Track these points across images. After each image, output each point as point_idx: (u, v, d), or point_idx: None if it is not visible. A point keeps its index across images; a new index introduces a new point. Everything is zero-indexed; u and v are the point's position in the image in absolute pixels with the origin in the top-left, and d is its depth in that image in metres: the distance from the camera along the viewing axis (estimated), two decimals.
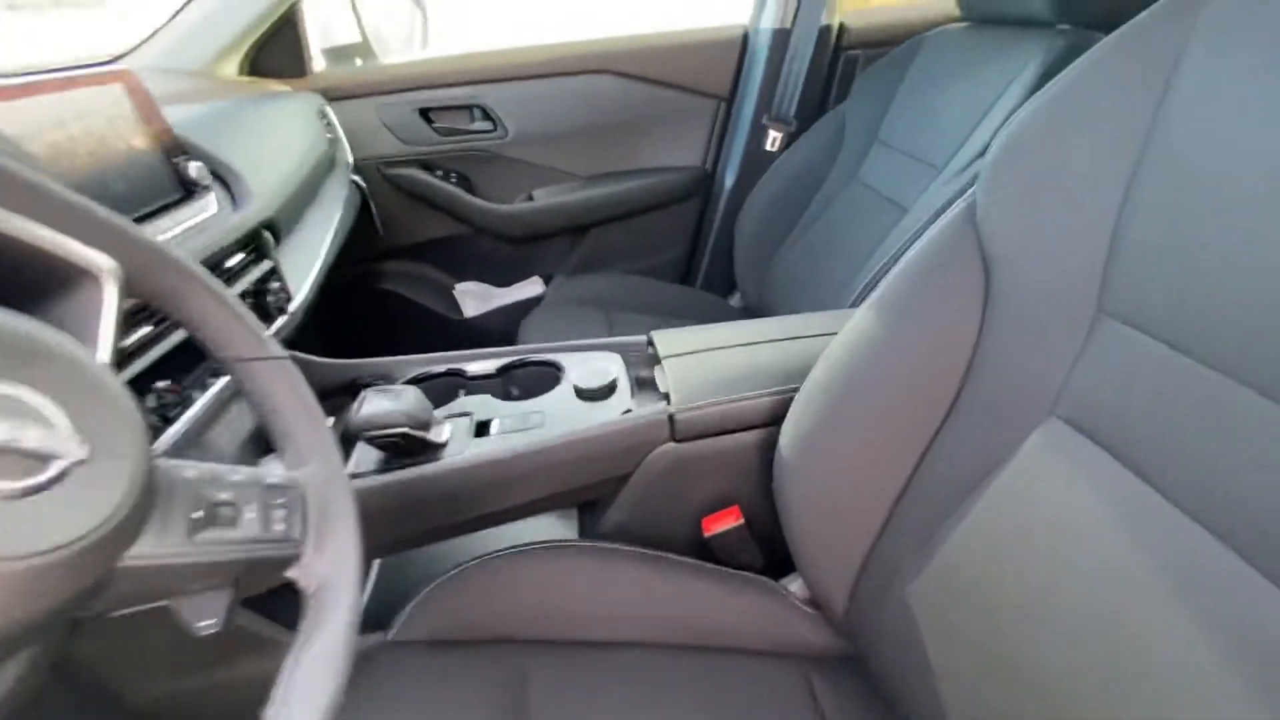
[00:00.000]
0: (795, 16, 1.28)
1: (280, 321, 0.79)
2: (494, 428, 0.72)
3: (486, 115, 1.38)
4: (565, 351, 0.85)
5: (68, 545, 0.27)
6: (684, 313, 1.32)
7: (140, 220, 0.62)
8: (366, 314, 1.47)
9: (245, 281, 0.74)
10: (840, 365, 0.58)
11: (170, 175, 0.67)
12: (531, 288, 1.58)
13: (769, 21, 1.31)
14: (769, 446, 0.67)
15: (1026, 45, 0.94)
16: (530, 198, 1.47)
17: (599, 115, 1.41)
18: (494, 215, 1.43)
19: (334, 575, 0.40)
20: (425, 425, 0.69)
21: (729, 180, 1.47)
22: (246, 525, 0.37)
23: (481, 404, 0.78)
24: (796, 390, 0.63)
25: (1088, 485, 0.40)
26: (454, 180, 1.41)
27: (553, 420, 0.72)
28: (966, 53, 1.06)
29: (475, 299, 1.58)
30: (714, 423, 0.70)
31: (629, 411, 0.72)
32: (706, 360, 0.76)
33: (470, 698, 0.55)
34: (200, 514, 0.35)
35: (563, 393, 0.78)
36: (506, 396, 0.83)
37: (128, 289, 0.38)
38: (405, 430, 0.66)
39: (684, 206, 1.52)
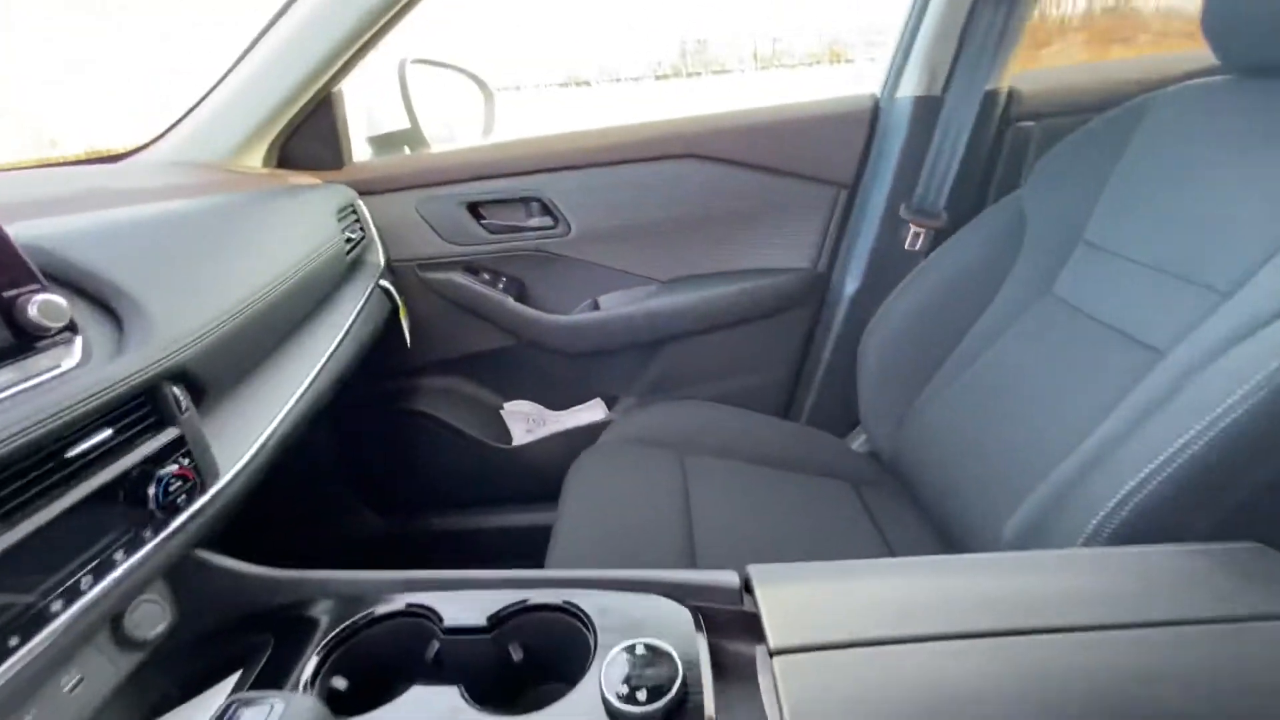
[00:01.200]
0: (948, 81, 0.97)
1: (178, 522, 0.52)
2: None
3: (546, 210, 1.14)
4: (599, 589, 0.52)
5: None
6: (783, 458, 0.99)
7: None
8: (394, 440, 1.22)
9: (111, 469, 0.47)
10: None
11: None
12: (593, 412, 1.28)
13: (911, 88, 1.01)
14: None
15: None
16: (595, 305, 1.20)
17: (682, 208, 1.13)
18: (551, 327, 1.16)
19: None
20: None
21: (849, 287, 1.13)
22: None
23: (443, 702, 0.45)
24: None
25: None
26: (503, 285, 1.16)
27: None
28: (1243, 117, 0.70)
29: (527, 422, 1.29)
30: None
31: None
32: (842, 660, 0.41)
33: None
34: None
35: (585, 694, 0.44)
36: (501, 668, 0.51)
37: None
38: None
39: (788, 318, 1.19)
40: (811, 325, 1.20)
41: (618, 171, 1.13)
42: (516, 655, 0.52)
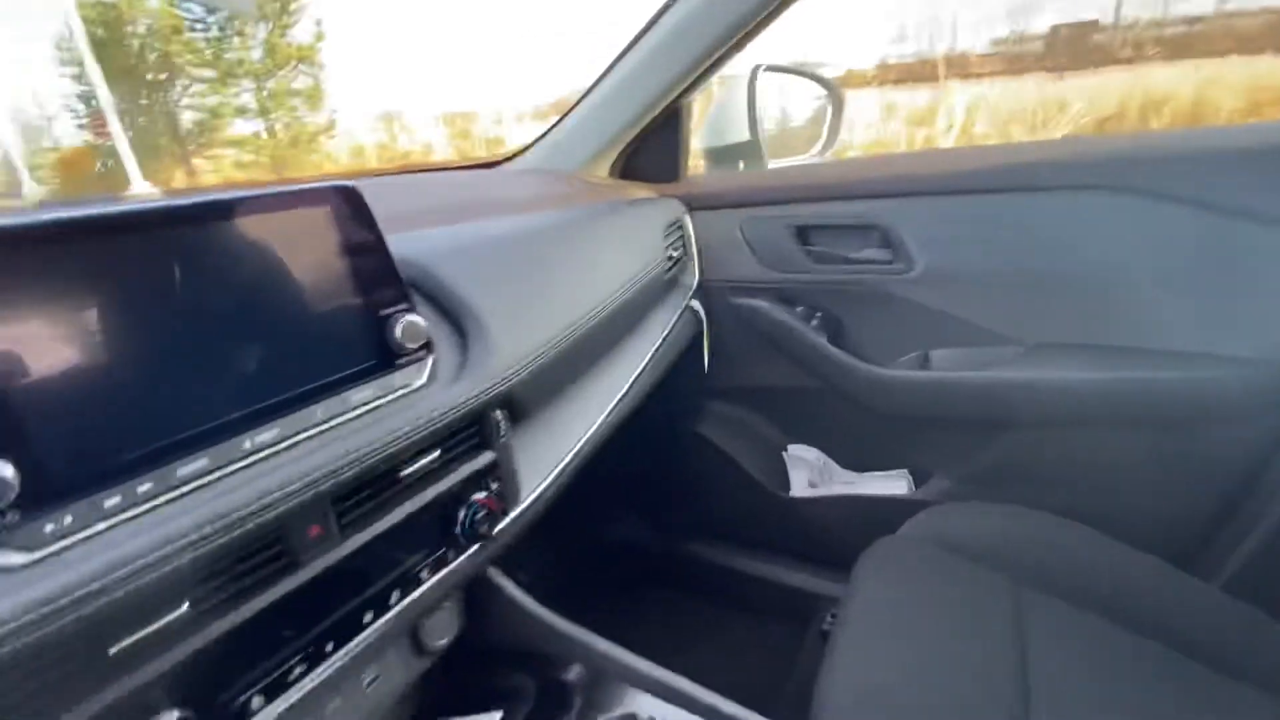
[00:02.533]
0: None
1: (472, 548, 0.52)
2: None
3: (886, 241, 0.96)
4: None
5: None
6: (1182, 634, 0.68)
7: (310, 396, 0.41)
8: (673, 459, 1.20)
9: (431, 491, 0.48)
10: None
11: (368, 336, 0.45)
12: (894, 484, 1.07)
13: None
14: None
15: None
16: (925, 361, 0.98)
17: (1080, 255, 0.85)
18: (866, 377, 0.99)
19: None
20: None
21: None
22: None
23: None
24: None
25: None
26: (818, 321, 1.03)
27: None
28: None
29: (809, 474, 1.15)
30: None
31: None
32: None
33: None
34: None
35: None
36: None
37: None
38: None
39: (1224, 433, 0.82)
40: (1266, 450, 0.80)
41: (988, 201, 0.90)
42: None
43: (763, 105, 1.11)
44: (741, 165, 1.13)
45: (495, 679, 0.57)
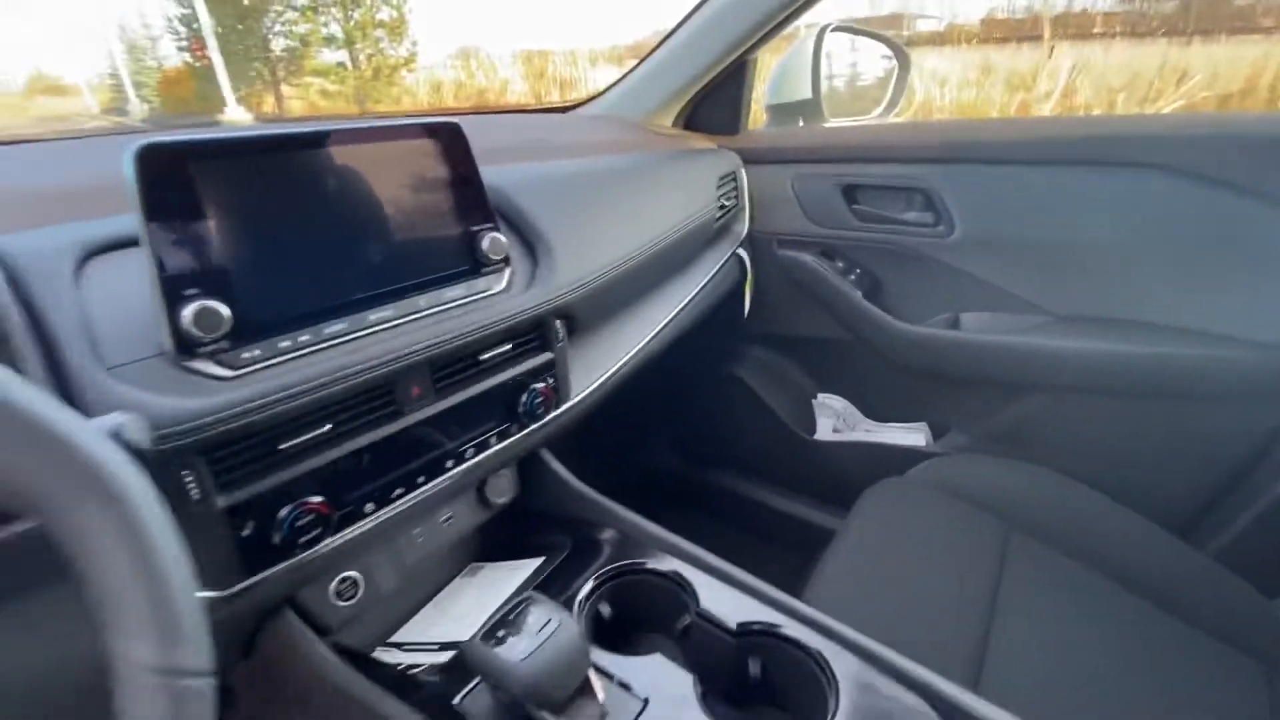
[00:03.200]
0: None
1: (529, 428, 0.64)
2: None
3: (930, 204, 1.01)
4: (858, 655, 0.48)
5: None
6: (1158, 588, 0.74)
7: (416, 288, 0.53)
8: (707, 395, 1.30)
9: (500, 376, 0.60)
10: None
11: (462, 246, 0.57)
12: (913, 435, 1.14)
13: None
14: None
15: None
16: (955, 322, 1.04)
17: (1122, 231, 0.88)
18: (896, 333, 1.06)
19: None
20: (557, 705, 0.43)
21: None
22: None
23: (673, 696, 0.47)
24: None
25: None
26: (856, 277, 1.09)
27: None
28: None
29: (836, 419, 1.23)
30: None
31: None
32: None
33: None
34: None
35: None
36: (736, 677, 0.51)
37: None
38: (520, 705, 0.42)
39: (1234, 411, 0.85)
40: (1272, 433, 0.84)
41: (1031, 172, 0.93)
42: (754, 669, 0.51)
43: (827, 64, 1.14)
44: (800, 121, 1.18)
45: (539, 535, 0.70)
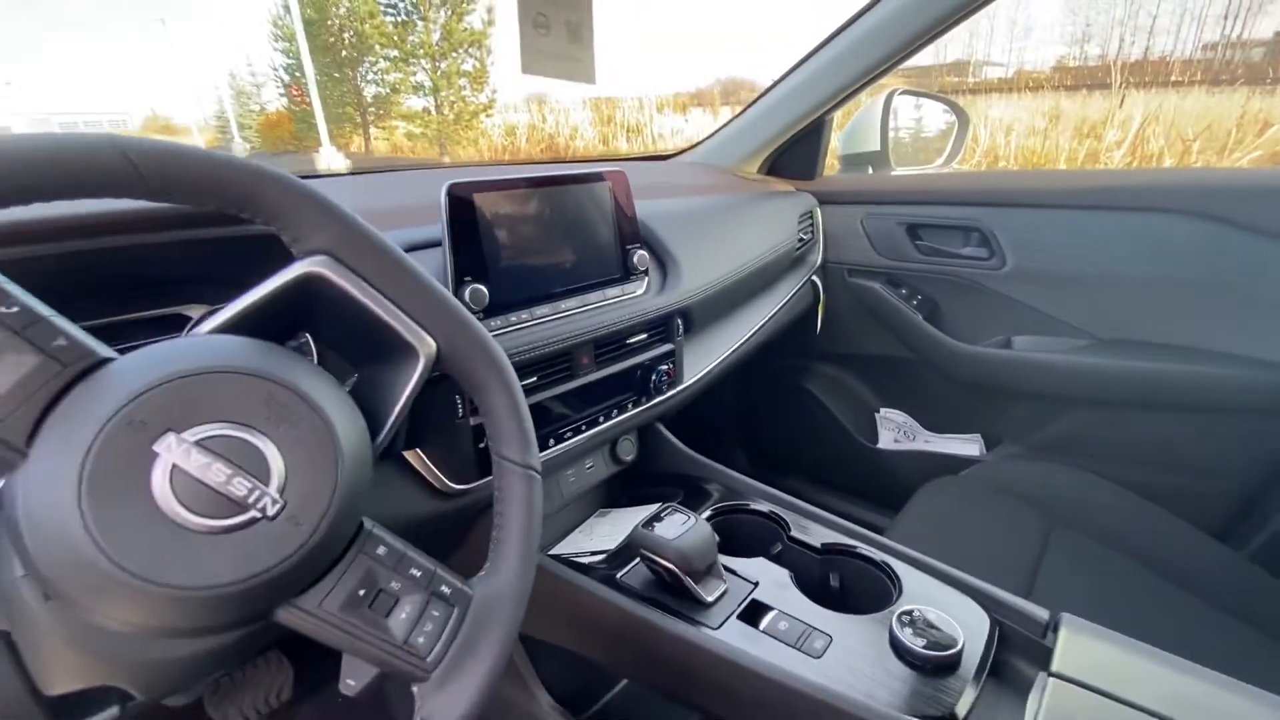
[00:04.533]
0: None
1: (655, 400, 0.83)
2: (765, 621, 0.59)
3: (984, 241, 1.17)
4: (921, 569, 0.64)
5: (231, 585, 0.31)
6: (1194, 580, 0.83)
7: (590, 287, 0.74)
8: (779, 405, 1.46)
9: (638, 358, 0.80)
10: None
11: (618, 259, 0.78)
12: (968, 445, 1.27)
13: None
14: None
15: None
16: (1008, 343, 1.18)
17: (1151, 265, 1.02)
18: (953, 351, 1.21)
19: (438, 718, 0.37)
20: (697, 573, 0.60)
21: None
22: (395, 624, 0.37)
23: (774, 582, 0.64)
24: None
25: None
26: (918, 302, 1.25)
27: (840, 656, 0.54)
28: None
29: (895, 433, 1.38)
30: None
31: None
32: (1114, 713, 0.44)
33: None
34: (363, 593, 0.37)
35: (877, 630, 0.57)
36: (820, 584, 0.67)
37: (439, 365, 0.43)
38: (672, 569, 0.60)
39: (1260, 425, 0.96)
40: None
41: (1080, 217, 1.08)
42: (834, 581, 0.67)
43: (894, 120, 1.33)
44: (870, 169, 1.37)
45: (655, 488, 0.88)
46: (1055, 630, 0.53)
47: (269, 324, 0.39)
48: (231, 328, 0.37)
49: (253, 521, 0.32)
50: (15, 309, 0.29)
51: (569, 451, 0.74)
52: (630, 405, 0.80)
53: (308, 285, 0.38)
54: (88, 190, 0.31)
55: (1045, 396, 1.14)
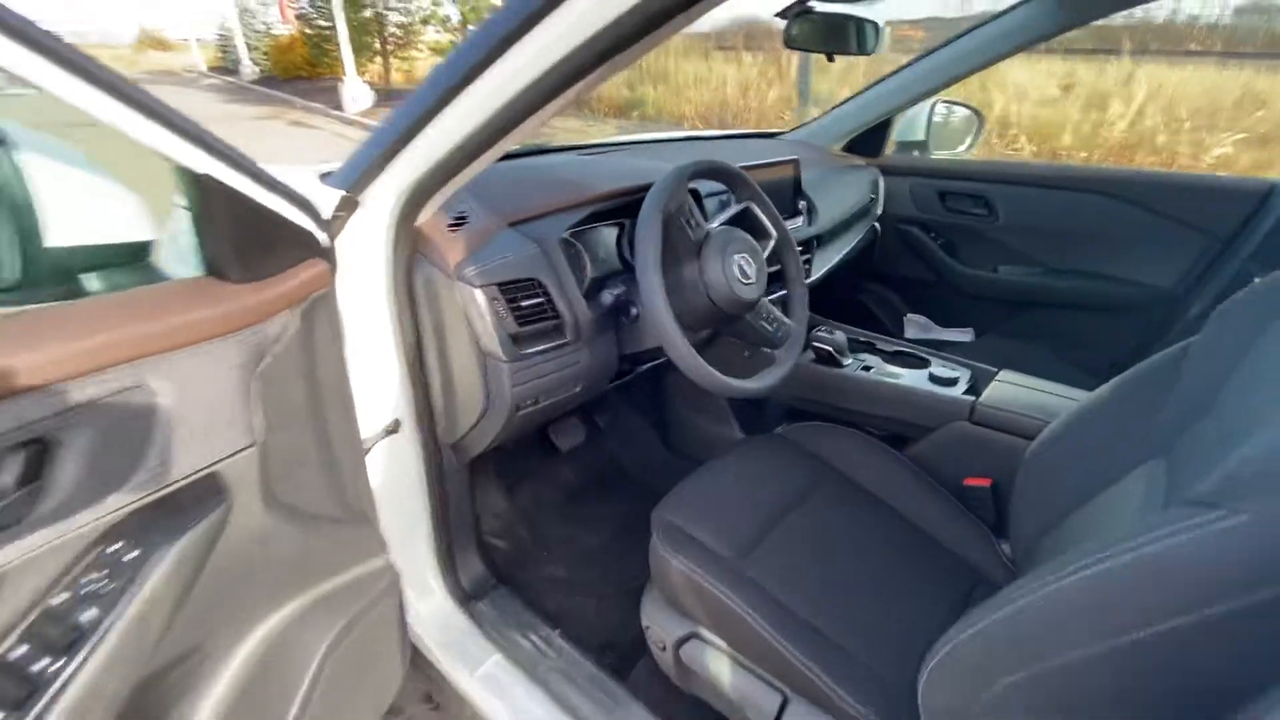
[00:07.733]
0: None
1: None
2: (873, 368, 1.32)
3: (987, 205, 1.85)
4: (938, 357, 1.36)
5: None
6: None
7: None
8: (841, 304, 2.18)
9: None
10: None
11: (791, 201, 1.47)
12: (963, 334, 2.00)
13: None
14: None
15: None
16: (995, 270, 1.89)
17: (1080, 223, 1.72)
18: (959, 273, 1.92)
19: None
20: (831, 358, 1.33)
21: (1194, 311, 1.56)
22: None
23: (875, 362, 1.37)
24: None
25: None
26: (941, 243, 1.95)
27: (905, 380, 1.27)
28: None
29: (919, 328, 2.10)
30: (999, 422, 1.13)
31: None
32: (1022, 394, 1.17)
33: None
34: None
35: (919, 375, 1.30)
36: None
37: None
38: (826, 348, 1.32)
39: (1132, 318, 1.69)
40: (1160, 331, 1.66)
41: (1044, 193, 1.77)
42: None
43: (936, 118, 2.00)
44: (915, 153, 2.03)
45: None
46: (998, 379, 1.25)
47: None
48: None
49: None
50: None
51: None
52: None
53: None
54: None
55: (1016, 303, 1.86)
